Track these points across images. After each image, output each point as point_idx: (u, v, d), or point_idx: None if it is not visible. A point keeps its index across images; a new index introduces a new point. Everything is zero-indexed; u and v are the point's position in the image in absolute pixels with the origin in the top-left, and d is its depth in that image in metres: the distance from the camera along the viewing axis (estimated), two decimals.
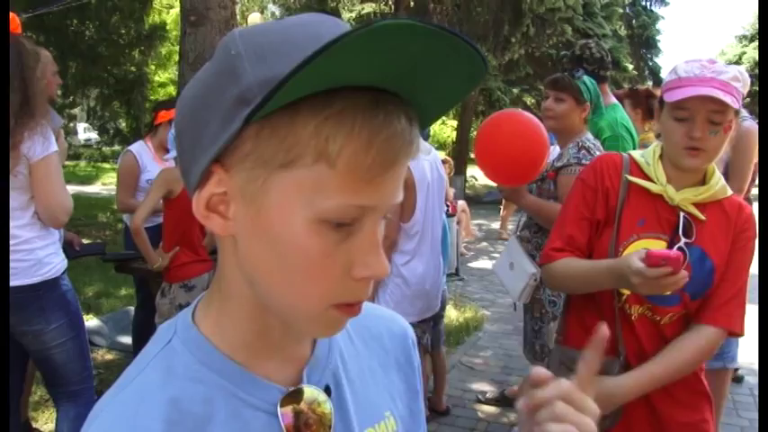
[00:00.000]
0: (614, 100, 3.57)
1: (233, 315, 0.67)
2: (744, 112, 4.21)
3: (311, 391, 0.69)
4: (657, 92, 4.32)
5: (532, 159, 2.83)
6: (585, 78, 2.92)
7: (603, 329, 0.68)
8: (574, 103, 2.93)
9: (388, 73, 0.54)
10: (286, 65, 0.51)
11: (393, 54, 0.51)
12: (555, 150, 3.24)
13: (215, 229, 0.62)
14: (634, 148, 3.35)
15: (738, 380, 4.53)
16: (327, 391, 0.70)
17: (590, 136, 2.89)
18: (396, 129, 0.56)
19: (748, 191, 4.15)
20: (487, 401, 4.07)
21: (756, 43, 29.68)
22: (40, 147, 2.33)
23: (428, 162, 2.96)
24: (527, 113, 3.07)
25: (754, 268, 1.77)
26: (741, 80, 1.69)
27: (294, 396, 0.67)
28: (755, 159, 3.93)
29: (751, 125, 3.99)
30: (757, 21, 30.70)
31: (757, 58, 28.63)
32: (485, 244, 10.72)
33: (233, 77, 0.57)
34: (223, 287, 0.67)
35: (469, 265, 8.78)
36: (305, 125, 0.54)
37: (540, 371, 0.66)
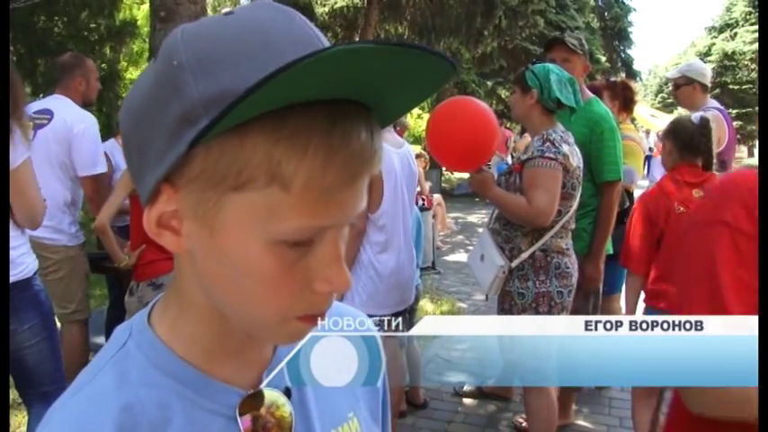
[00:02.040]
0: (591, 94, 3.60)
1: (190, 320, 0.65)
2: (712, 102, 4.33)
3: (271, 394, 0.67)
4: (633, 84, 4.41)
5: (472, 139, 2.87)
6: (536, 66, 2.94)
7: None
8: (520, 91, 2.96)
9: (349, 88, 0.52)
10: (234, 80, 0.49)
11: (351, 74, 0.49)
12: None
13: (169, 246, 0.60)
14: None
15: None
16: (288, 393, 0.68)
17: (559, 127, 2.91)
18: (354, 147, 0.53)
19: None
20: (464, 394, 4.11)
21: (725, 34, 30.09)
22: (16, 152, 2.33)
23: (397, 155, 2.97)
24: (469, 98, 3.16)
25: None
26: None
27: (253, 399, 0.66)
28: (718, 147, 4.03)
29: (714, 114, 4.12)
30: (726, 13, 31.17)
31: (726, 49, 29.10)
32: (461, 237, 10.77)
33: (176, 92, 0.53)
34: (181, 294, 0.65)
35: (446, 258, 8.82)
36: (255, 148, 0.51)
37: None
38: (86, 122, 3.56)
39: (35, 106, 3.54)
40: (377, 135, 0.56)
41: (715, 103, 4.41)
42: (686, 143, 3.01)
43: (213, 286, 0.60)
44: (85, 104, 3.74)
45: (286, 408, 0.68)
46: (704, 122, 3.02)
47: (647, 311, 3.07)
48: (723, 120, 4.19)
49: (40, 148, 3.38)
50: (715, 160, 3.10)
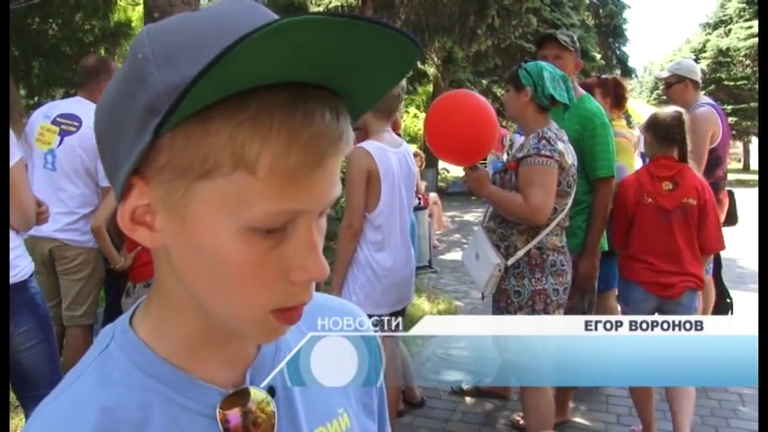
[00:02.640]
0: (583, 91, 3.61)
1: (171, 318, 0.64)
2: (704, 98, 4.36)
3: (254, 393, 0.66)
4: (625, 82, 4.43)
5: (473, 132, 2.88)
6: (529, 64, 2.94)
7: None
8: (514, 90, 2.98)
9: (307, 68, 0.51)
10: (195, 66, 0.48)
11: (303, 50, 0.48)
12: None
13: (144, 242, 0.59)
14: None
15: None
16: (271, 392, 0.67)
17: (553, 125, 2.91)
18: (318, 127, 0.53)
19: (723, 177, 4.28)
20: (462, 392, 4.10)
21: (719, 31, 30.13)
22: (11, 153, 2.33)
23: (395, 154, 2.97)
24: (469, 92, 3.17)
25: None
26: None
27: (235, 398, 0.65)
28: (712, 143, 4.14)
29: (706, 110, 4.17)
30: (720, 9, 31.22)
31: (721, 45, 29.14)
32: (457, 236, 10.77)
33: (142, 84, 0.53)
34: (161, 293, 0.65)
35: (442, 257, 8.83)
36: (218, 132, 0.51)
37: None
38: None
39: (59, 108, 3.54)
40: (343, 118, 0.56)
41: (708, 99, 4.45)
42: (663, 135, 3.26)
43: (190, 280, 0.60)
44: None
45: (270, 407, 0.67)
46: (677, 115, 3.28)
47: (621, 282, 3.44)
48: (716, 115, 4.25)
49: (67, 154, 3.41)
50: (705, 156, 3.22)
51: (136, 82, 0.54)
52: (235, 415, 0.64)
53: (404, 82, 2.93)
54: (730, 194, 4.59)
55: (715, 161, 4.28)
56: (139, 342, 0.65)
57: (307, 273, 0.57)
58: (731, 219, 4.65)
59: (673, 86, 4.41)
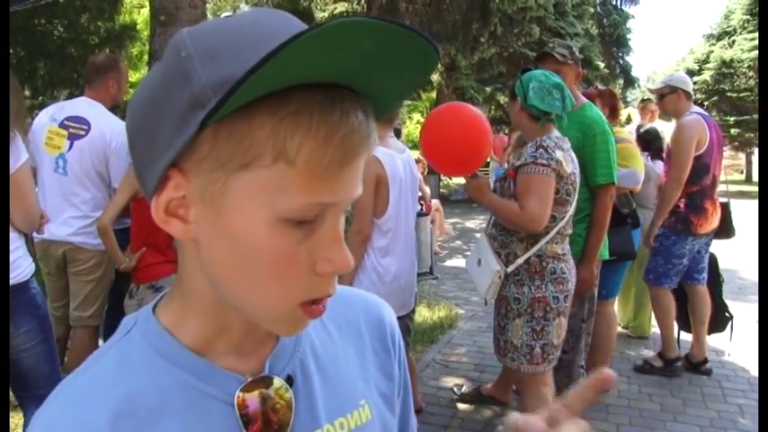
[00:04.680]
0: (585, 100, 3.64)
1: (194, 311, 0.66)
2: (695, 108, 4.49)
3: (273, 381, 0.68)
4: (617, 92, 4.62)
5: (464, 143, 2.92)
6: (525, 74, 2.97)
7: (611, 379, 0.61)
8: (510, 99, 3.04)
9: (343, 70, 0.54)
10: (239, 65, 0.51)
11: (347, 51, 0.51)
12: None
13: (176, 234, 0.62)
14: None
15: (707, 372, 4.64)
16: (289, 380, 0.69)
17: (553, 134, 2.93)
18: (353, 125, 0.56)
19: (711, 185, 4.33)
20: (462, 398, 4.10)
21: (723, 42, 30.14)
22: (16, 156, 2.34)
23: (401, 160, 2.98)
24: (462, 104, 3.23)
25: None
26: None
27: (254, 386, 0.67)
28: (698, 150, 4.29)
29: (693, 117, 4.28)
30: (724, 21, 31.23)
31: (724, 57, 29.13)
32: (459, 242, 10.78)
33: (185, 80, 0.56)
34: (184, 287, 0.67)
35: (443, 263, 8.82)
36: (262, 126, 0.54)
37: (514, 417, 0.61)
38: (124, 136, 3.58)
39: (67, 111, 3.54)
40: (371, 118, 0.59)
41: (697, 109, 4.57)
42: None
43: (219, 272, 0.61)
44: (114, 107, 3.77)
45: (288, 393, 0.68)
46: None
47: None
48: (704, 123, 4.36)
49: (78, 158, 3.43)
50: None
51: (178, 78, 0.56)
52: (254, 400, 0.66)
53: None
54: (725, 207, 4.61)
55: (702, 168, 4.34)
56: (161, 328, 0.67)
57: (332, 264, 0.60)
58: (726, 231, 4.67)
59: (666, 97, 4.52)
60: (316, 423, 0.70)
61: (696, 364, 4.68)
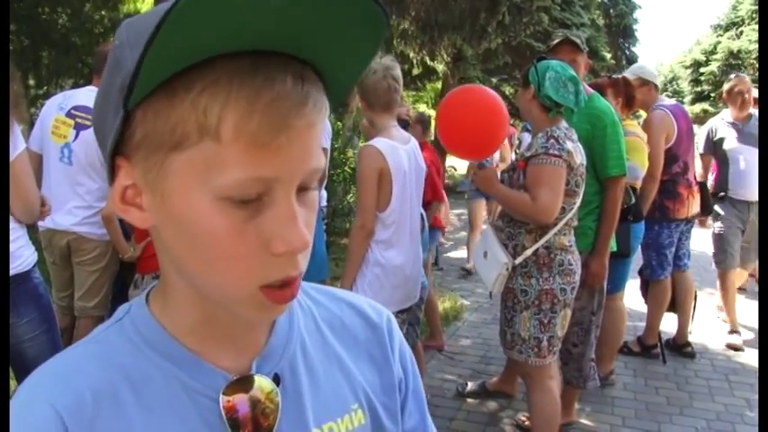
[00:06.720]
0: (591, 90, 3.58)
1: (176, 302, 0.66)
2: (662, 99, 4.65)
3: (259, 381, 0.67)
4: (634, 81, 4.51)
5: (483, 125, 2.91)
6: (541, 62, 2.92)
7: None
8: (522, 86, 3.01)
9: (264, 35, 0.52)
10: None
11: (246, 12, 0.49)
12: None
13: (135, 222, 0.61)
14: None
15: (691, 355, 4.82)
16: (276, 379, 0.67)
17: (562, 124, 2.89)
18: (279, 90, 0.53)
19: (680, 172, 4.44)
20: (468, 395, 4.08)
21: (731, 33, 29.97)
22: (13, 145, 2.32)
23: (405, 151, 2.94)
24: (481, 86, 3.23)
25: None
26: None
27: (239, 385, 0.65)
28: (668, 143, 4.44)
29: (659, 113, 4.40)
30: (732, 11, 31.05)
31: (732, 47, 28.98)
32: (464, 234, 10.74)
33: (118, 68, 0.55)
34: (164, 279, 0.67)
35: (448, 255, 8.80)
36: (182, 101, 0.53)
37: None
38: None
39: (74, 100, 3.51)
40: (309, 83, 0.56)
41: (665, 101, 4.69)
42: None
43: (177, 257, 0.61)
44: None
45: (278, 397, 0.67)
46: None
47: None
48: (671, 117, 4.50)
49: (83, 148, 3.41)
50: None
51: (114, 66, 0.56)
52: (243, 404, 0.65)
53: (400, 76, 2.91)
54: (702, 186, 4.81)
55: (671, 158, 4.50)
56: (151, 318, 0.67)
57: (287, 244, 0.57)
58: (705, 209, 4.88)
59: (637, 89, 4.51)
60: (303, 425, 0.68)
61: (680, 346, 4.90)
